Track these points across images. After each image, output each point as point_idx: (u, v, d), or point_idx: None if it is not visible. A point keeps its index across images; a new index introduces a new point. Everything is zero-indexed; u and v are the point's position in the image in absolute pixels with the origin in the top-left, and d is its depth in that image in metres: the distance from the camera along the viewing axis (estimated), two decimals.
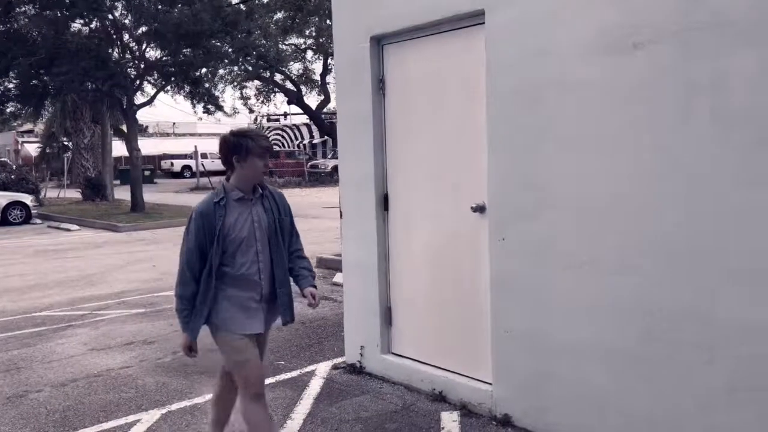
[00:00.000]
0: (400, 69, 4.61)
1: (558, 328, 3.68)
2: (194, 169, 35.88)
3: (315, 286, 3.42)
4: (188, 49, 18.35)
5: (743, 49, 2.90)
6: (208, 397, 4.61)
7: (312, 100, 31.54)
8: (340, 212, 5.11)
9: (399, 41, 4.57)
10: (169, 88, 20.90)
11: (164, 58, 19.34)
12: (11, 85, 18.90)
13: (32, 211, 18.23)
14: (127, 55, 19.58)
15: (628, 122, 3.31)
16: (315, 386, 4.77)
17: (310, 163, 34.16)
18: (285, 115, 44.29)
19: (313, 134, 40.54)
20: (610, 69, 3.36)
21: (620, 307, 3.40)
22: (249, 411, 3.30)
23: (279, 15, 23.23)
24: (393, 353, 4.81)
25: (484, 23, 3.91)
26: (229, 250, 3.21)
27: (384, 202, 4.76)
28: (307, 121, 38.03)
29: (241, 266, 3.24)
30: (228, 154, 3.24)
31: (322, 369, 5.12)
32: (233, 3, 19.34)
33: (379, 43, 4.68)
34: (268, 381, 4.85)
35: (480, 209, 4.09)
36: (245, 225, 3.24)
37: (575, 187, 3.54)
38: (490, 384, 4.08)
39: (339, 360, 5.24)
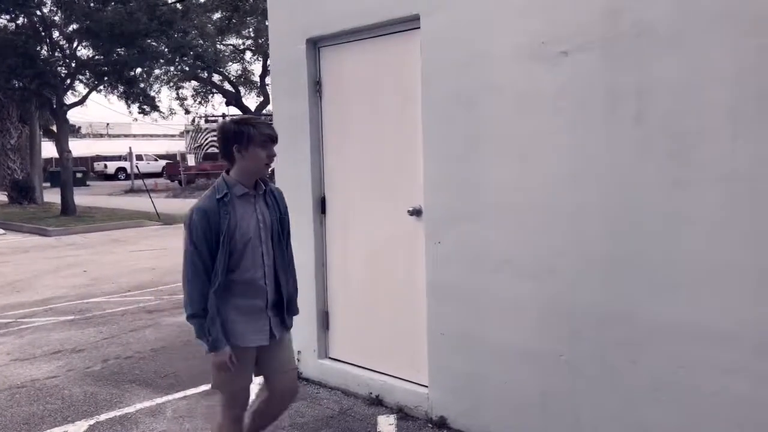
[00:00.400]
0: (338, 71, 4.59)
1: (489, 331, 3.72)
2: (129, 171, 34.96)
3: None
4: (122, 49, 17.86)
5: (664, 58, 3.00)
6: (140, 406, 4.50)
7: (251, 101, 31.21)
8: None
9: (336, 44, 4.55)
10: (102, 87, 20.30)
11: (97, 57, 18.77)
12: None
13: None
14: (57, 53, 18.91)
15: (556, 128, 3.37)
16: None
17: None
18: (224, 116, 43.66)
19: None
20: (538, 75, 3.42)
21: (549, 310, 3.47)
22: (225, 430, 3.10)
23: (216, 15, 22.90)
24: (330, 358, 4.78)
25: (419, 28, 3.93)
26: (234, 252, 2.91)
27: (321, 206, 4.73)
28: None
29: (246, 270, 2.94)
30: (227, 143, 2.93)
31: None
32: (169, 2, 18.93)
33: (315, 45, 4.65)
34: (202, 388, 4.77)
35: (416, 213, 4.11)
36: (250, 224, 2.95)
37: (506, 192, 3.59)
38: (427, 387, 4.10)
39: None
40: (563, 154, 3.38)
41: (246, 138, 2.90)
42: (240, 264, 2.93)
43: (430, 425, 4.02)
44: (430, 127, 3.92)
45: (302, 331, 4.81)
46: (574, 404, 3.43)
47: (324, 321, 4.78)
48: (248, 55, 29.28)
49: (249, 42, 28.20)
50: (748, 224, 2.82)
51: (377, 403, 4.34)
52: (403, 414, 4.18)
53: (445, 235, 3.89)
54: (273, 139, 2.98)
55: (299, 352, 4.85)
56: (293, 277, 3.20)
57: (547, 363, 3.50)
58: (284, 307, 3.10)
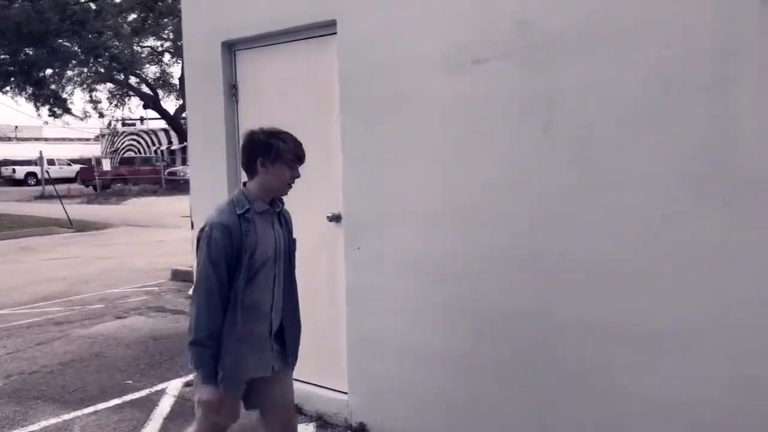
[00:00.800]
0: (255, 76, 4.52)
1: (407, 335, 3.74)
2: (39, 176, 33.39)
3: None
4: (31, 48, 17.07)
5: (569, 68, 3.10)
6: (45, 424, 4.28)
7: (170, 104, 30.43)
8: (191, 223, 4.93)
9: (252, 47, 4.48)
10: (8, 89, 19.32)
11: (2, 56, 17.87)
12: None
13: None
14: None
15: (471, 136, 3.42)
16: (165, 405, 4.55)
17: (168, 170, 32.85)
18: (141, 119, 42.41)
19: (172, 140, 39.06)
20: (453, 84, 3.47)
21: (465, 313, 3.51)
22: None
23: (132, 16, 22.20)
24: None
25: (336, 33, 3.92)
26: (250, 272, 2.66)
27: None
28: (166, 126, 36.63)
29: (254, 291, 2.69)
30: (252, 154, 2.69)
31: (174, 387, 4.90)
32: (81, 1, 18.24)
33: (231, 48, 4.57)
34: (113, 402, 4.59)
35: (336, 218, 4.09)
36: (269, 243, 2.72)
37: (423, 197, 3.62)
38: (346, 393, 4.08)
39: (192, 377, 5.01)
40: (478, 161, 3.43)
41: (274, 152, 2.67)
42: (252, 283, 2.67)
43: None
44: (349, 132, 3.91)
45: None
46: (492, 405, 3.48)
47: None
48: (167, 57, 28.56)
49: (168, 44, 27.51)
50: (640, 227, 2.94)
51: (297, 411, 4.28)
52: (322, 422, 4.15)
53: (364, 241, 3.89)
54: (301, 159, 2.75)
55: None
56: (298, 307, 2.98)
57: (465, 365, 3.54)
58: (287, 337, 2.87)
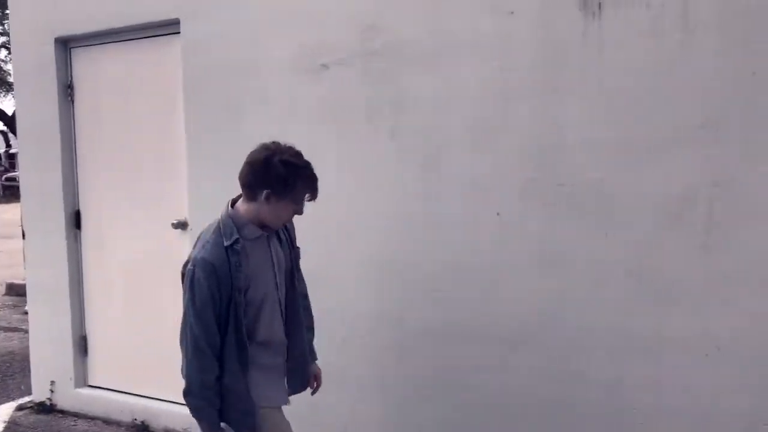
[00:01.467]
0: (92, 75, 4.24)
1: None
2: None
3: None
4: None
5: (416, 76, 3.16)
6: None
7: (8, 104, 28.03)
8: (23, 232, 4.55)
9: (90, 45, 4.21)
10: None
11: None
12: None
13: None
14: None
15: (322, 139, 3.39)
16: None
17: (5, 176, 30.22)
18: None
19: (10, 143, 36.02)
20: (302, 87, 3.44)
21: (320, 319, 3.48)
22: None
23: None
24: (90, 386, 4.39)
25: (180, 33, 3.77)
26: (249, 311, 2.36)
27: (76, 220, 4.33)
28: (3, 128, 33.73)
29: (264, 329, 2.43)
30: (261, 181, 2.28)
31: (4, 411, 4.48)
32: None
33: (66, 45, 4.27)
34: None
35: (182, 226, 3.92)
36: (267, 273, 2.41)
37: None
38: None
39: (25, 399, 4.62)
40: (331, 166, 3.40)
41: (288, 189, 2.30)
42: (257, 324, 2.41)
43: None
44: (195, 136, 3.77)
45: (57, 358, 4.40)
46: (343, 412, 3.48)
47: (82, 346, 4.38)
48: (3, 53, 26.33)
49: (4, 38, 25.36)
50: (493, 227, 3.06)
51: (143, 429, 4.06)
52: None
53: None
54: (313, 197, 2.40)
55: (53, 382, 4.41)
56: (310, 314, 2.74)
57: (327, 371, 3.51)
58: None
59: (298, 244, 2.67)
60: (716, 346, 2.67)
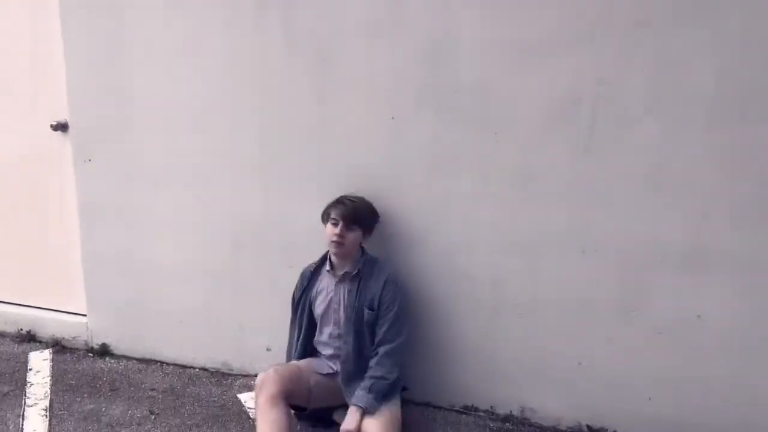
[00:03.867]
0: None
1: (149, 251, 3.57)
2: None
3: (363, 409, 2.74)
4: None
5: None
6: None
7: None
8: None
9: None
10: None
11: None
12: None
13: None
14: None
15: (209, 32, 3.22)
16: None
17: None
18: None
19: None
20: None
21: (210, 224, 3.43)
22: None
23: None
24: None
25: None
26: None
27: None
28: None
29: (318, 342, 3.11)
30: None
31: None
32: None
33: None
34: None
35: (62, 127, 3.68)
36: (323, 305, 3.06)
37: (161, 102, 3.39)
38: (85, 315, 3.82)
39: None
40: (216, 62, 3.25)
41: (324, 214, 2.96)
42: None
43: (90, 355, 3.78)
44: (70, 29, 3.48)
45: None
46: (237, 312, 3.49)
47: None
48: None
49: None
50: (388, 131, 3.06)
51: (29, 339, 3.94)
52: (60, 347, 3.86)
53: (95, 152, 3.57)
54: (335, 219, 2.87)
55: None
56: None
57: (212, 275, 3.49)
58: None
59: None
60: (593, 243, 2.84)
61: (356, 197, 2.97)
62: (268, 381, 2.70)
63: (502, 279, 3.00)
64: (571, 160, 2.80)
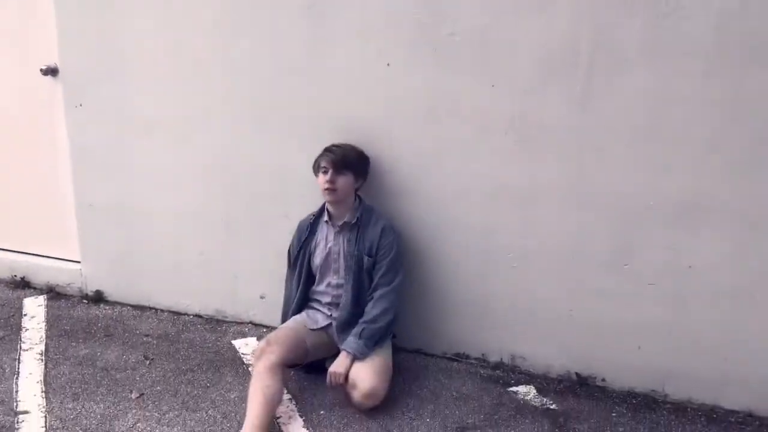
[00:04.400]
0: None
1: (142, 198, 3.56)
2: None
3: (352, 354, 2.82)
4: None
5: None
6: None
7: None
8: None
9: None
10: None
11: None
12: None
13: None
14: None
15: None
16: None
17: None
18: None
19: None
20: None
21: (204, 168, 3.41)
22: None
23: None
24: None
25: None
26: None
27: None
28: None
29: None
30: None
31: None
32: None
33: None
34: None
35: (51, 72, 3.62)
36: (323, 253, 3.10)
37: (152, 46, 3.32)
38: (79, 262, 3.83)
39: None
40: (209, 8, 3.19)
41: (315, 165, 2.97)
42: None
43: (85, 301, 3.80)
44: None
45: None
46: (231, 260, 3.50)
47: None
48: None
49: None
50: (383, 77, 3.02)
51: (23, 285, 3.95)
52: (54, 293, 3.87)
53: (86, 97, 3.52)
54: (325, 166, 2.89)
55: None
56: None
57: (206, 223, 3.48)
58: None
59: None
60: (587, 194, 2.83)
61: (344, 144, 2.98)
62: (267, 351, 2.76)
63: (495, 228, 3.00)
64: (568, 109, 2.76)
